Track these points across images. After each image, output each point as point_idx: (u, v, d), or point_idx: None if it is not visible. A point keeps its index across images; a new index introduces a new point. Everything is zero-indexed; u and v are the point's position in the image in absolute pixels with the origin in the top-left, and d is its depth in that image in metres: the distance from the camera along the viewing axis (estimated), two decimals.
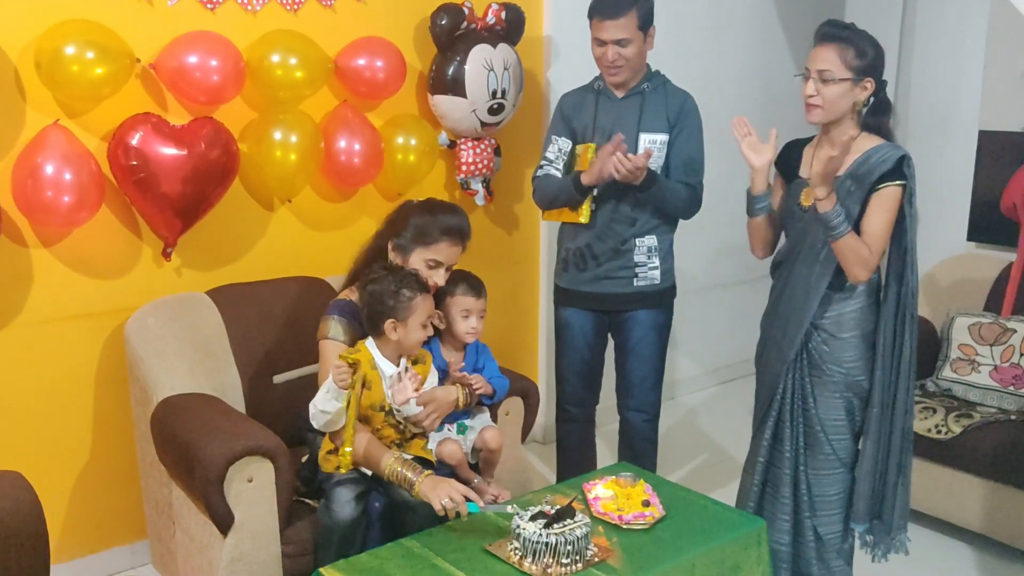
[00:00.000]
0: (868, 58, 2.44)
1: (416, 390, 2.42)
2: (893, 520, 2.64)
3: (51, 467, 2.94)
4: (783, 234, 2.72)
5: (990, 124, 4.12)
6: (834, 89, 2.45)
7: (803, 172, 2.61)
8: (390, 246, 2.60)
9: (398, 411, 2.47)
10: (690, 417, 4.67)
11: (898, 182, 2.44)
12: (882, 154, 2.46)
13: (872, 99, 2.51)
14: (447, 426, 2.67)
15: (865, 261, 2.45)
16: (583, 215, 2.99)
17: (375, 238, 2.69)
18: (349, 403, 2.34)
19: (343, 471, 2.40)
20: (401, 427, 2.51)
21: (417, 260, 2.56)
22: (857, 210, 2.47)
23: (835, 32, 2.46)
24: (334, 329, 2.51)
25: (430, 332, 2.52)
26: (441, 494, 2.25)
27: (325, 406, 2.36)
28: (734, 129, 2.62)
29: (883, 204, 2.45)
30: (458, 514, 2.28)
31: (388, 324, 2.44)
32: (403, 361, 2.51)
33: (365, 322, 2.50)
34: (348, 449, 2.36)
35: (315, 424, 2.41)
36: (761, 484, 2.73)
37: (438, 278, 2.57)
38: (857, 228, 2.47)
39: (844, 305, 2.54)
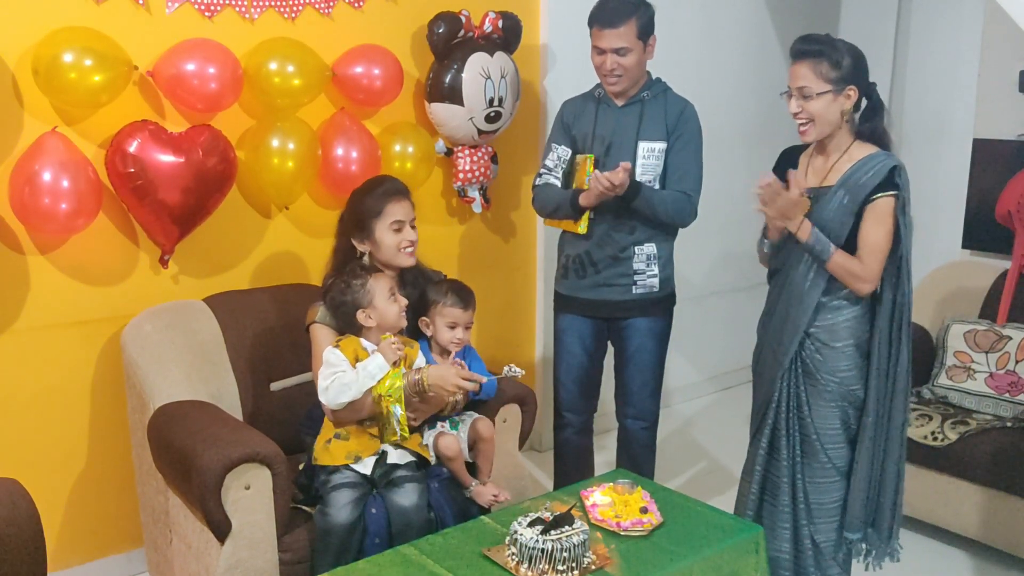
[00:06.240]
0: (844, 67, 2.44)
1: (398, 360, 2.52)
2: (891, 527, 2.65)
3: (48, 474, 2.94)
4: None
5: (984, 132, 4.14)
6: (816, 104, 2.45)
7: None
8: (355, 242, 2.69)
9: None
10: (688, 424, 4.68)
11: (891, 192, 2.44)
12: (873, 164, 2.46)
13: (864, 102, 2.52)
14: (440, 423, 2.69)
15: (860, 275, 2.46)
16: (581, 226, 3.00)
17: (337, 241, 2.77)
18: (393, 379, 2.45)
19: (403, 434, 2.47)
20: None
21: (383, 232, 2.65)
22: (851, 221, 2.47)
23: (806, 48, 2.46)
24: (322, 313, 2.60)
25: (404, 302, 2.58)
26: (454, 378, 2.46)
27: (362, 385, 2.42)
28: (759, 191, 2.48)
29: (877, 216, 2.45)
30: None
31: (360, 315, 2.51)
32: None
33: (345, 329, 2.56)
34: (398, 411, 2.44)
35: (327, 399, 2.44)
36: (759, 492, 2.73)
37: (410, 235, 2.68)
38: (855, 239, 2.48)
39: (837, 314, 2.54)
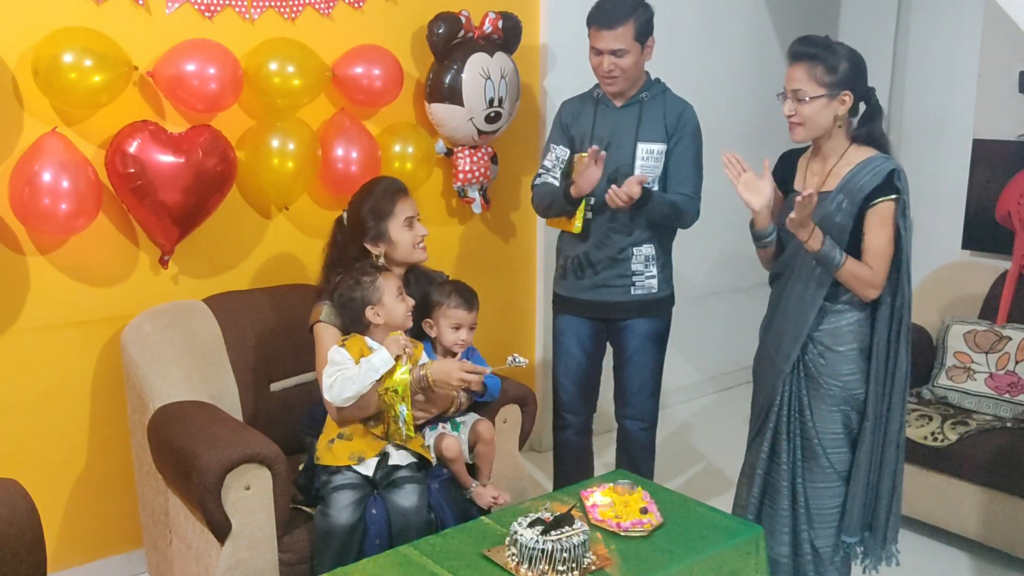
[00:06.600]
0: (840, 72, 2.42)
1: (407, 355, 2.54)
2: (886, 532, 2.63)
3: (47, 475, 2.94)
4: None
5: (984, 133, 4.14)
6: (809, 107, 2.44)
7: (797, 184, 2.61)
8: (369, 246, 2.68)
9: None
10: (688, 425, 4.68)
11: (891, 196, 2.43)
12: (872, 168, 2.44)
13: (863, 107, 2.51)
14: (441, 424, 2.69)
15: (869, 282, 2.45)
16: (576, 226, 3.00)
17: (339, 252, 2.73)
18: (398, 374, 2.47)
19: (409, 434, 2.50)
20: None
21: (398, 231, 2.66)
22: (850, 225, 2.46)
23: (804, 50, 2.45)
24: (326, 312, 2.60)
25: (411, 302, 2.59)
26: (458, 372, 2.48)
27: (365, 380, 2.42)
28: (726, 168, 2.55)
29: (880, 221, 2.44)
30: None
31: (368, 312, 2.52)
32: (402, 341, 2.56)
33: (351, 327, 2.57)
34: (404, 410, 2.46)
35: (332, 396, 2.43)
36: (760, 496, 2.72)
37: (421, 229, 2.72)
38: (855, 243, 2.47)
39: (840, 318, 2.53)
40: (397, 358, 2.47)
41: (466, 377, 2.49)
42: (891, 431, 2.57)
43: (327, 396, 2.45)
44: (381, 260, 2.67)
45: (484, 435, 2.69)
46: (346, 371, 2.44)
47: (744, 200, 2.53)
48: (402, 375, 2.46)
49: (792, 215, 2.39)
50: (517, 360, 2.47)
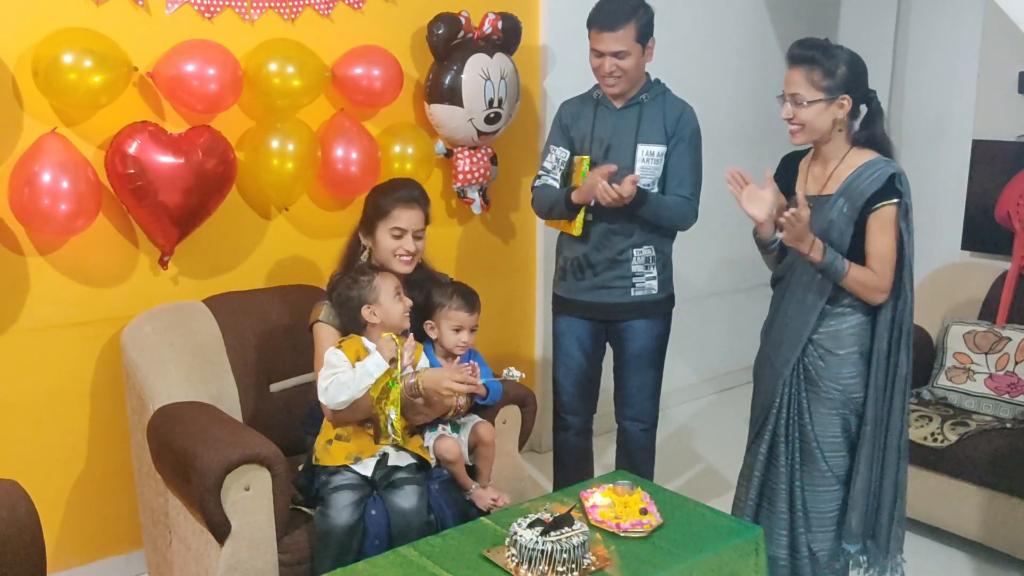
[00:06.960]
0: (838, 76, 2.41)
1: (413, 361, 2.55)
2: (889, 541, 2.61)
3: (47, 475, 2.94)
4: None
5: (984, 133, 4.14)
6: (807, 111, 2.44)
7: (799, 187, 2.60)
8: (361, 235, 2.71)
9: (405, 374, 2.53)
10: (688, 426, 4.68)
11: (893, 200, 2.43)
12: (873, 172, 2.44)
13: (863, 110, 2.50)
14: (441, 426, 2.69)
15: (875, 286, 2.45)
16: (576, 228, 3.00)
17: (352, 232, 2.80)
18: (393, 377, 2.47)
19: (396, 438, 2.50)
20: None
21: (383, 235, 2.65)
22: (851, 230, 2.46)
23: (802, 53, 2.44)
24: (325, 312, 2.60)
25: (408, 303, 2.59)
26: (447, 381, 2.45)
27: (360, 384, 2.41)
28: (729, 184, 2.53)
29: (883, 225, 2.43)
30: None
31: (365, 311, 2.53)
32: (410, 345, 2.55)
33: (349, 327, 2.57)
34: (393, 414, 2.46)
35: (327, 399, 2.44)
36: (757, 498, 2.71)
37: (408, 245, 2.65)
38: (857, 247, 2.47)
39: (842, 321, 2.52)
40: (391, 361, 2.47)
41: (455, 387, 2.48)
42: (892, 436, 2.55)
43: (322, 399, 2.46)
44: (364, 254, 2.69)
45: (484, 437, 2.69)
46: (341, 375, 2.43)
47: (748, 213, 2.51)
48: (394, 377, 2.45)
49: (782, 234, 2.39)
50: (512, 374, 2.48)
